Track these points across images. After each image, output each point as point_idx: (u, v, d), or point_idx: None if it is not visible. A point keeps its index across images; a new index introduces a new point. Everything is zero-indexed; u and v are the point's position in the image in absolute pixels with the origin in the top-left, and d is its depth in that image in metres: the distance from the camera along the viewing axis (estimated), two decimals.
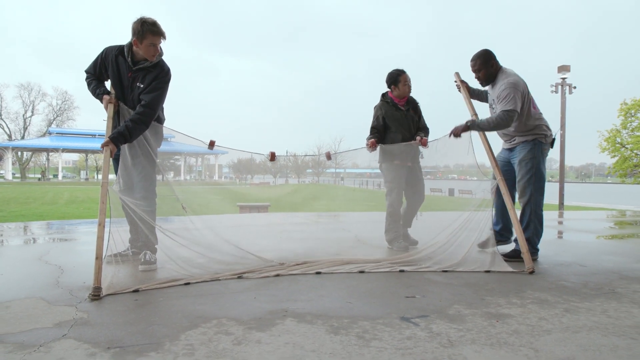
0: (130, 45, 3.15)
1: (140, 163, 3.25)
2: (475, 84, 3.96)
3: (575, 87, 20.33)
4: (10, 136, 54.18)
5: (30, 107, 55.52)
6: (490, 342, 1.94)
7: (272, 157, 3.78)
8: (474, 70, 3.76)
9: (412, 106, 4.25)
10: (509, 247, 3.78)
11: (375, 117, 4.19)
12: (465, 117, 3.94)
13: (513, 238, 3.78)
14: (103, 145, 3.00)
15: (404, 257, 3.65)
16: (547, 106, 4.07)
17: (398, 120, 4.14)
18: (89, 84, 3.34)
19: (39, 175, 57.07)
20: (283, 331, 2.04)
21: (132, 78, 3.20)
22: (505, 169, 3.77)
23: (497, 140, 3.85)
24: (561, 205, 18.38)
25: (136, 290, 2.65)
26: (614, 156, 21.70)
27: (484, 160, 3.81)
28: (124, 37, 3.30)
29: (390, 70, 4.24)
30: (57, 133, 53.36)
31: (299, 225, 6.20)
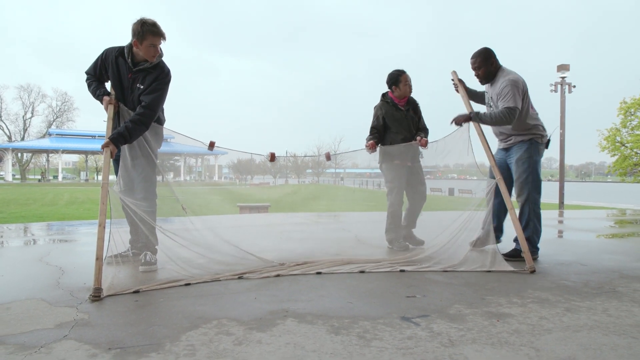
0: (130, 46, 3.15)
1: (140, 164, 3.25)
2: (474, 82, 3.95)
3: (574, 86, 20.36)
4: (10, 137, 54.18)
5: (30, 109, 55.65)
6: (491, 341, 1.94)
7: (272, 157, 3.78)
8: (474, 68, 3.76)
9: (413, 107, 4.25)
10: (508, 247, 3.78)
11: (375, 117, 4.19)
12: None
13: (513, 238, 3.77)
14: (103, 146, 3.00)
15: (404, 257, 3.65)
16: (546, 105, 4.07)
17: (398, 120, 4.14)
18: (89, 85, 3.35)
19: (39, 177, 57.15)
20: (284, 331, 2.05)
21: (132, 79, 3.21)
22: (501, 170, 3.76)
23: (492, 141, 3.84)
24: (561, 204, 18.38)
25: (137, 291, 2.65)
26: (614, 155, 21.67)
27: (484, 160, 3.81)
28: (124, 37, 3.30)
29: (390, 70, 4.23)
30: (57, 134, 53.34)
31: (299, 226, 6.19)
